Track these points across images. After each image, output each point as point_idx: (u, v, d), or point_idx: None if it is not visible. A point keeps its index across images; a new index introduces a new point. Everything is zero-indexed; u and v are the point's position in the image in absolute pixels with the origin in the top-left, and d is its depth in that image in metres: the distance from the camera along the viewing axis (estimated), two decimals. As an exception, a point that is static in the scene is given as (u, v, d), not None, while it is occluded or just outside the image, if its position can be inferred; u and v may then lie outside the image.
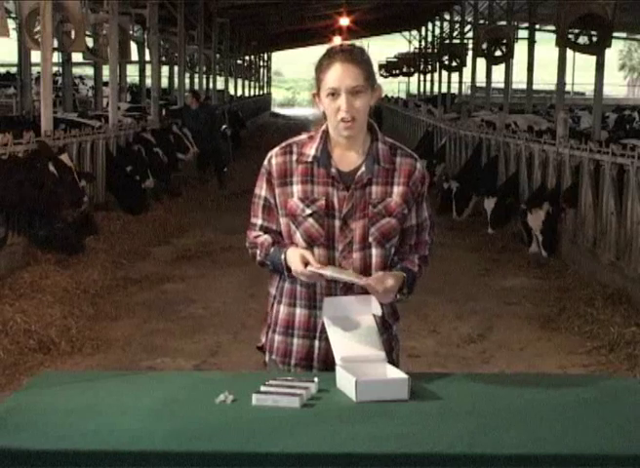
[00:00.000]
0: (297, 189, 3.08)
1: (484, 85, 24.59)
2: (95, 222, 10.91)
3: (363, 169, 3.07)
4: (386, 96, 37.54)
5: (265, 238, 3.14)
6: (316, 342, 3.13)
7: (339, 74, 3.01)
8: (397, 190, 3.09)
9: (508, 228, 11.77)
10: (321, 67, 3.06)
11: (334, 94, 3.02)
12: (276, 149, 3.14)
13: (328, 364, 3.09)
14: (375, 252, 3.09)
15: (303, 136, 3.15)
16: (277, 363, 3.21)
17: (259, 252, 3.16)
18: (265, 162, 3.14)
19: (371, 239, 3.07)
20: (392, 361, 3.14)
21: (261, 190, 3.15)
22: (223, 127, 19.01)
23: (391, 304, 3.19)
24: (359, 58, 3.04)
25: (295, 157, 3.10)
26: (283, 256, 3.05)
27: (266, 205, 3.14)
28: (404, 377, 2.83)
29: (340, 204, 3.06)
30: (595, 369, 6.77)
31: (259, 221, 3.17)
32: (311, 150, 3.09)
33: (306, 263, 2.98)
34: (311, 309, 3.09)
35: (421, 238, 3.20)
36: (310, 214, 3.06)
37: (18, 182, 8.50)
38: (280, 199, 3.10)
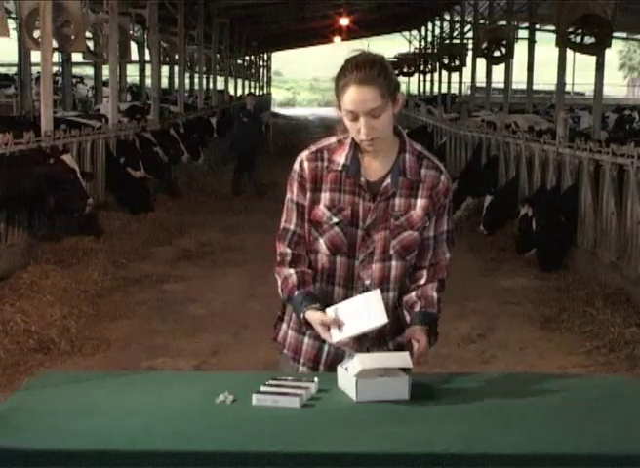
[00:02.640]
0: (325, 197, 3.04)
1: (484, 85, 24.59)
2: (98, 223, 10.96)
3: (389, 181, 3.04)
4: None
5: (291, 275, 3.08)
6: (325, 346, 3.13)
7: (354, 98, 2.92)
8: (420, 203, 3.05)
9: (508, 229, 11.77)
10: (338, 87, 2.98)
11: (352, 115, 2.96)
12: (306, 153, 3.09)
13: (334, 368, 3.08)
14: (394, 264, 3.07)
15: (333, 141, 3.10)
16: (288, 358, 3.22)
17: (281, 287, 3.11)
18: (296, 166, 3.08)
19: (392, 251, 3.05)
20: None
21: (293, 194, 3.09)
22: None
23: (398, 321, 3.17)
24: (375, 76, 2.93)
25: (325, 164, 3.06)
26: (302, 316, 3.03)
27: (299, 210, 3.09)
28: (404, 377, 2.83)
29: (364, 214, 3.03)
30: (595, 369, 6.77)
31: (291, 227, 3.11)
32: (341, 158, 3.05)
33: (328, 326, 2.94)
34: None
35: (439, 256, 3.13)
36: (337, 223, 3.04)
37: (18, 179, 8.55)
38: (307, 204, 3.07)
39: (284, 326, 3.24)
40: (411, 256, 3.09)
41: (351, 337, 2.95)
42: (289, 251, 3.10)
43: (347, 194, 3.04)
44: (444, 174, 3.11)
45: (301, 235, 3.10)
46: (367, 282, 3.06)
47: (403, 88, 48.48)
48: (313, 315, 2.99)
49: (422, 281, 3.12)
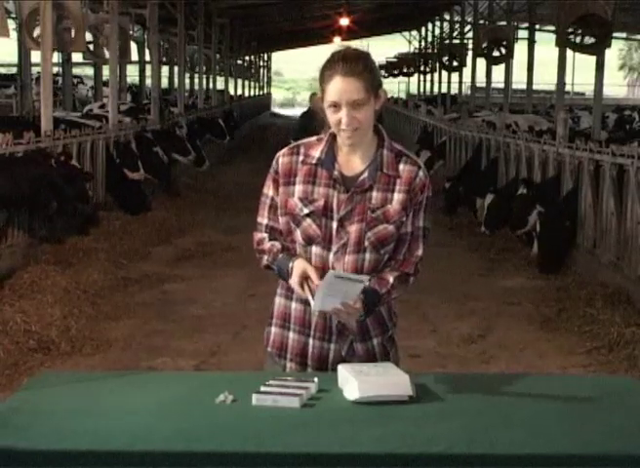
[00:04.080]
0: (298, 189, 3.11)
1: (484, 85, 24.59)
2: (98, 222, 11.02)
3: (365, 174, 3.09)
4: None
5: (273, 244, 3.16)
6: (310, 340, 3.14)
7: (339, 88, 3.00)
8: (397, 197, 3.10)
9: (507, 228, 11.76)
10: (323, 77, 3.05)
11: (335, 106, 3.02)
12: (284, 150, 3.18)
13: (322, 363, 3.12)
14: (368, 256, 3.09)
15: (313, 139, 3.18)
16: (274, 356, 3.23)
17: (266, 257, 3.17)
18: (274, 162, 3.17)
19: (367, 243, 3.08)
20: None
21: (269, 189, 3.18)
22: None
23: (389, 308, 3.21)
24: (361, 69, 3.01)
25: (301, 158, 3.13)
26: (290, 265, 3.07)
27: (273, 204, 3.17)
28: (405, 377, 2.83)
29: (338, 206, 3.07)
30: (595, 369, 6.77)
31: (264, 221, 3.19)
32: (317, 152, 3.12)
33: (306, 277, 3.00)
34: (306, 304, 3.09)
35: (411, 252, 3.16)
36: (308, 214, 3.08)
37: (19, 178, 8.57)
38: (282, 197, 3.13)
39: (268, 328, 3.26)
40: (386, 250, 3.11)
41: (329, 311, 2.97)
42: (265, 235, 3.19)
43: (321, 186, 3.09)
44: (422, 170, 3.15)
45: (275, 227, 3.18)
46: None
47: (403, 88, 48.16)
48: (300, 263, 3.04)
49: (389, 268, 3.14)
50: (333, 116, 3.04)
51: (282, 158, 3.15)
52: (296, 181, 3.11)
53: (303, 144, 3.16)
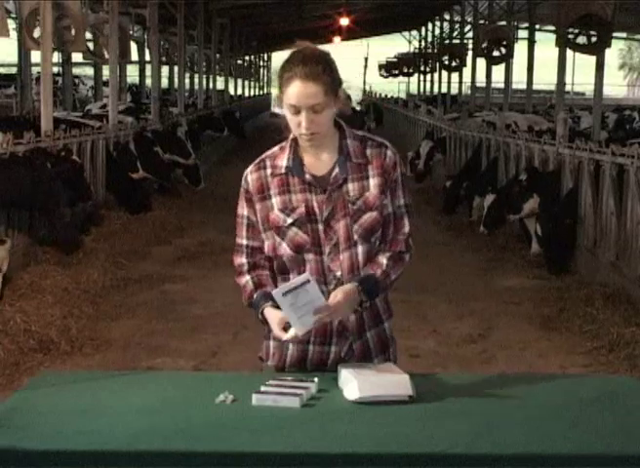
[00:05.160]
0: (276, 201, 3.08)
1: (484, 85, 24.59)
2: (99, 216, 11.03)
3: (337, 170, 3.07)
4: (386, 95, 37.57)
5: (247, 281, 3.15)
6: (310, 346, 3.13)
7: (298, 92, 2.97)
8: (373, 182, 3.08)
9: (507, 228, 11.76)
10: (282, 79, 3.02)
11: (294, 109, 3.00)
12: (250, 167, 3.15)
13: (320, 366, 3.10)
14: (361, 249, 3.08)
15: (275, 149, 3.16)
16: (272, 368, 3.19)
17: (243, 295, 3.18)
18: (243, 181, 3.15)
19: (356, 236, 3.07)
20: (388, 360, 3.16)
21: (243, 209, 3.16)
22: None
23: (385, 300, 3.20)
24: (320, 72, 2.96)
25: (269, 171, 3.11)
26: (261, 317, 3.08)
27: (249, 223, 3.15)
28: (405, 377, 2.83)
29: (319, 208, 3.06)
30: (595, 369, 6.77)
31: (244, 241, 3.17)
32: (283, 161, 3.10)
33: (286, 328, 2.97)
34: None
35: (399, 229, 3.14)
36: (292, 223, 3.06)
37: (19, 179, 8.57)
38: (262, 214, 3.11)
39: (266, 341, 3.22)
40: (375, 237, 3.10)
41: (304, 333, 2.95)
42: (244, 261, 3.17)
43: (298, 193, 3.07)
44: (389, 148, 3.13)
45: (255, 246, 3.15)
46: (337, 273, 3.07)
47: (403, 88, 48.08)
48: (270, 313, 3.03)
49: (380, 252, 3.12)
50: (293, 118, 3.03)
51: (250, 175, 3.13)
52: (271, 195, 3.09)
53: (268, 157, 3.14)
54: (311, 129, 2.99)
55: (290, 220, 3.06)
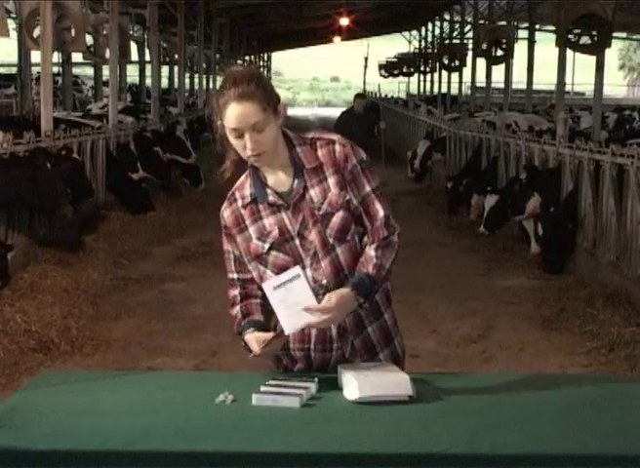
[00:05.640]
0: (252, 230, 3.10)
1: (484, 85, 24.59)
2: (98, 221, 11.02)
3: (295, 181, 3.07)
4: (386, 95, 37.57)
5: (237, 311, 3.17)
6: (312, 353, 3.13)
7: (236, 114, 2.95)
8: (332, 182, 3.07)
9: (507, 229, 11.76)
10: (218, 105, 3.00)
11: (237, 132, 2.98)
12: (225, 203, 3.17)
13: (323, 368, 3.10)
14: (339, 250, 3.07)
15: (242, 178, 3.16)
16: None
17: (234, 325, 3.20)
18: (220, 218, 3.18)
19: (331, 240, 3.06)
20: (395, 354, 3.16)
21: (227, 245, 3.18)
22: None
23: (386, 292, 3.18)
24: (253, 90, 2.96)
25: (239, 203, 3.12)
26: (243, 343, 3.12)
27: (235, 258, 3.17)
28: (405, 377, 2.83)
29: (291, 223, 3.06)
30: (595, 369, 6.77)
31: (234, 276, 3.19)
32: (247, 190, 3.11)
33: (263, 340, 3.01)
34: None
35: (374, 216, 3.10)
36: (270, 248, 3.07)
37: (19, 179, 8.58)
38: (243, 246, 3.13)
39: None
40: (351, 234, 3.09)
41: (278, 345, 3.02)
42: (237, 292, 3.19)
43: (269, 217, 3.08)
44: (337, 143, 3.11)
45: (245, 278, 3.17)
46: (323, 281, 3.05)
47: (403, 88, 47.97)
48: (249, 336, 3.07)
49: (367, 246, 3.10)
50: (237, 143, 3.00)
51: (225, 212, 3.15)
52: (247, 225, 3.10)
53: (236, 189, 3.15)
54: (257, 149, 2.98)
55: (267, 246, 3.07)
